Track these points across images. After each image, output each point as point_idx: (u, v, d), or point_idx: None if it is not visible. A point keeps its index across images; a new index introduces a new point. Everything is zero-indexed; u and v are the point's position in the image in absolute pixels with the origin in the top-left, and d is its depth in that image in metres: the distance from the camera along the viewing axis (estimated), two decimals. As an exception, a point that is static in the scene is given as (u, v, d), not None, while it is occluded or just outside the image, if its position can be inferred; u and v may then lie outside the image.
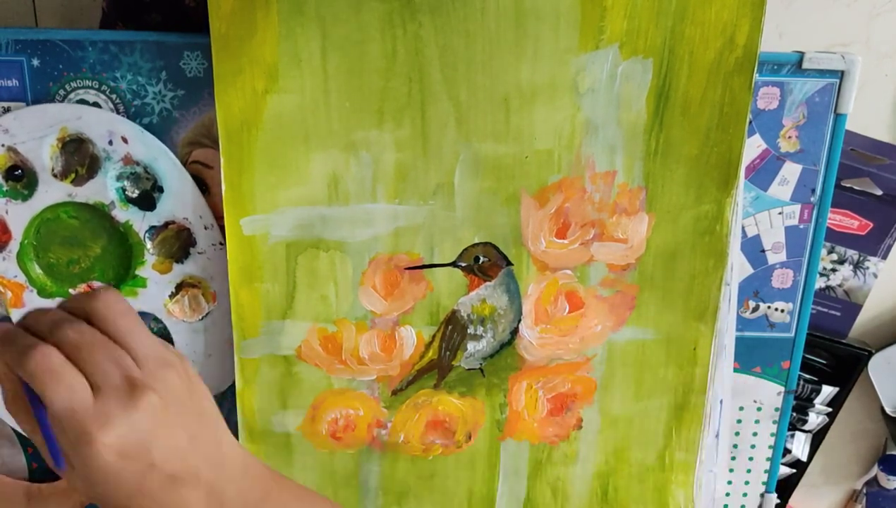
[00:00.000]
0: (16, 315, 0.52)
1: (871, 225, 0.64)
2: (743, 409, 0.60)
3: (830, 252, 0.65)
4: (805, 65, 0.52)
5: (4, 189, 0.50)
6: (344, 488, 0.57)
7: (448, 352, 0.55)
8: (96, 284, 0.53)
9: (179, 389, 0.37)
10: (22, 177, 0.50)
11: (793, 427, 0.67)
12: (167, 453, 0.35)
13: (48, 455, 0.35)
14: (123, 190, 0.51)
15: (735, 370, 0.59)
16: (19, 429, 0.54)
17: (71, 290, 0.52)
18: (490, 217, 0.52)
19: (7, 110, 0.49)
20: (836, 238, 0.65)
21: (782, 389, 0.59)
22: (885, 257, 0.65)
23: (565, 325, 0.55)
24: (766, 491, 0.63)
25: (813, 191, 0.55)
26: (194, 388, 0.38)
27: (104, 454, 0.34)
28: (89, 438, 0.34)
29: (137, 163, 0.50)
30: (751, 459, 0.62)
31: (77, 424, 0.34)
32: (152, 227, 0.52)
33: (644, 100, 0.50)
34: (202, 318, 0.54)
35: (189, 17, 0.53)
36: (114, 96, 0.49)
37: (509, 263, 0.53)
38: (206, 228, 0.52)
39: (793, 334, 0.58)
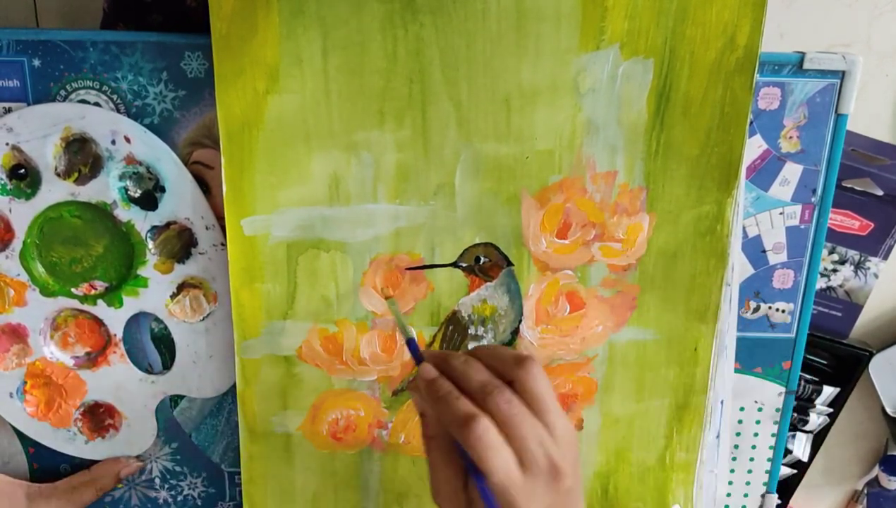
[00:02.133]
0: (18, 313, 0.52)
1: (872, 225, 0.64)
2: (744, 409, 0.60)
3: (831, 252, 0.65)
4: (806, 65, 0.52)
5: (8, 187, 0.51)
6: (344, 488, 0.57)
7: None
8: (99, 284, 0.53)
9: (579, 467, 0.42)
10: (25, 176, 0.51)
11: (794, 427, 0.67)
12: None
13: (480, 495, 0.41)
14: (126, 189, 0.51)
15: (736, 370, 0.59)
16: (20, 428, 0.54)
17: (73, 289, 0.52)
18: (491, 217, 0.52)
19: (8, 111, 0.49)
20: (837, 238, 0.65)
21: (783, 389, 0.59)
22: (885, 257, 0.65)
23: (566, 326, 0.55)
24: (767, 492, 0.63)
25: (814, 191, 0.55)
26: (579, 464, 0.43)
27: None
28: None
29: (140, 163, 0.50)
30: (752, 459, 0.62)
31: (508, 497, 0.39)
32: (154, 227, 0.52)
33: (645, 100, 0.50)
34: (203, 319, 0.54)
35: (190, 17, 0.53)
36: (115, 97, 0.50)
37: (510, 263, 0.53)
38: (207, 228, 0.52)
39: (794, 334, 0.58)
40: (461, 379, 0.42)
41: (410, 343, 0.47)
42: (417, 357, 0.46)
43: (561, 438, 0.41)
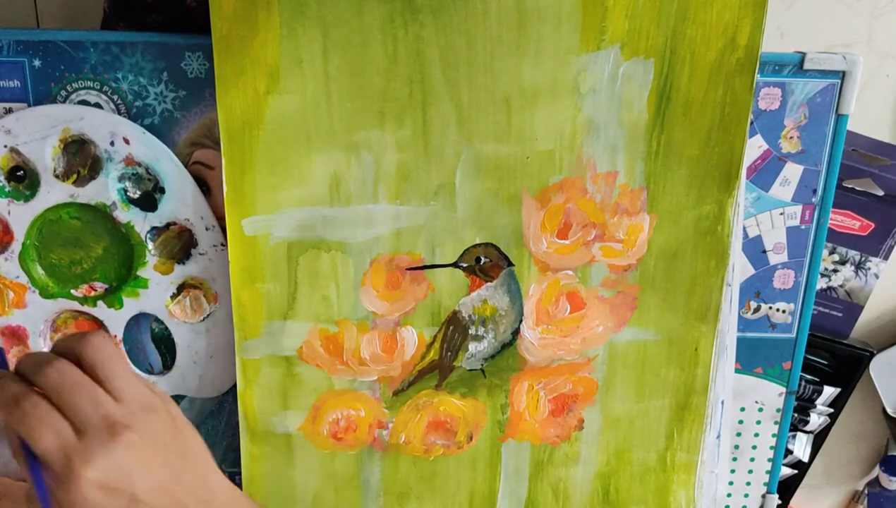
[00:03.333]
0: (17, 315, 0.52)
1: (873, 225, 0.64)
2: (744, 410, 0.60)
3: (832, 252, 0.65)
4: (806, 65, 0.52)
5: (7, 189, 0.50)
6: (345, 488, 0.57)
7: (449, 353, 0.55)
8: (98, 285, 0.53)
9: (161, 430, 0.39)
10: (24, 178, 0.51)
11: (794, 427, 0.67)
12: (150, 487, 0.38)
13: (38, 500, 0.37)
14: (125, 190, 0.51)
15: (736, 370, 0.59)
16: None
17: (73, 291, 0.52)
18: (491, 217, 0.52)
19: (9, 111, 0.49)
20: (838, 238, 0.65)
21: (784, 390, 0.59)
22: (886, 258, 0.65)
23: (567, 326, 0.55)
24: (768, 492, 0.63)
25: (814, 191, 0.55)
26: (179, 429, 0.41)
27: (88, 489, 0.36)
28: (74, 475, 0.36)
29: (139, 164, 0.50)
30: (752, 460, 0.62)
31: (62, 464, 0.36)
32: (154, 228, 0.52)
33: (645, 100, 0.50)
34: (204, 319, 0.54)
35: (190, 17, 0.53)
36: (115, 97, 0.50)
37: (510, 264, 0.53)
38: (207, 229, 0.52)
39: (794, 335, 0.58)
40: (21, 368, 0.40)
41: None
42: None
43: (128, 402, 0.39)
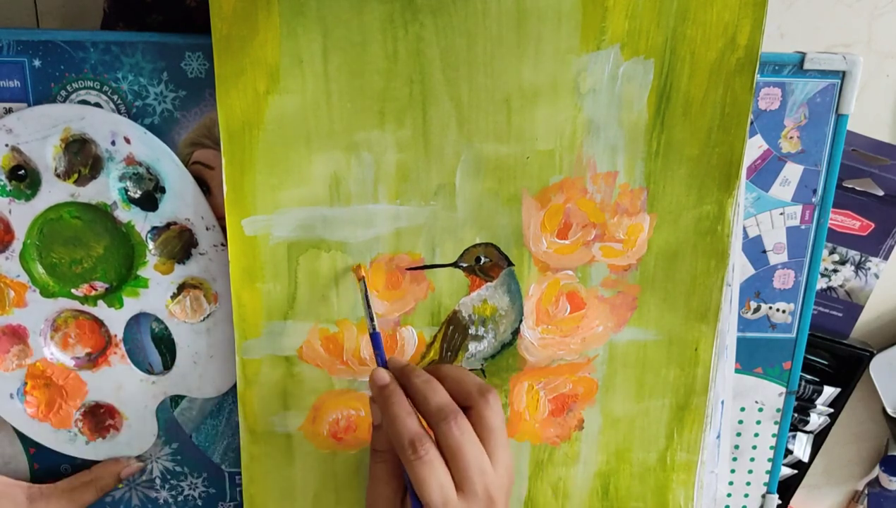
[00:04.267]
0: (18, 314, 0.52)
1: (873, 225, 0.64)
2: (744, 410, 0.60)
3: (832, 252, 0.65)
4: (806, 65, 0.52)
5: (8, 189, 0.50)
6: (345, 488, 0.57)
7: (449, 353, 0.55)
8: (99, 285, 0.53)
9: (509, 504, 0.45)
10: (25, 177, 0.51)
11: (794, 427, 0.67)
12: None
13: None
14: (126, 190, 0.51)
15: (736, 370, 0.59)
16: (20, 429, 0.54)
17: (73, 290, 0.52)
18: (491, 217, 0.52)
19: (9, 111, 0.49)
20: (838, 238, 0.65)
21: (784, 390, 0.59)
22: (886, 258, 0.65)
23: (567, 326, 0.55)
24: (768, 492, 0.63)
25: (814, 191, 0.55)
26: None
27: None
28: None
29: (140, 164, 0.50)
30: (752, 460, 0.62)
31: None
32: (154, 228, 0.52)
33: (645, 100, 0.50)
34: (204, 319, 0.54)
35: (190, 17, 0.53)
36: (115, 97, 0.50)
37: (510, 264, 0.53)
38: (207, 229, 0.52)
39: (794, 335, 0.58)
40: (419, 397, 0.44)
41: (375, 338, 0.48)
42: (381, 357, 0.48)
43: (501, 470, 0.43)
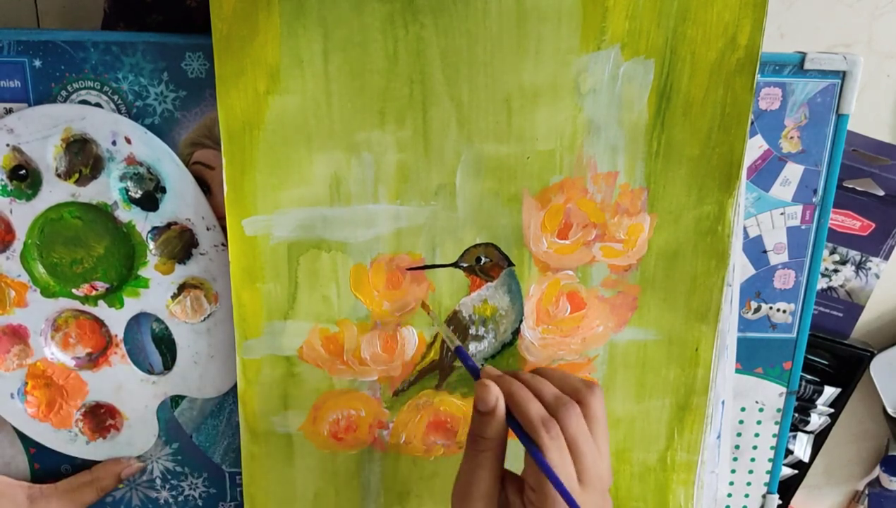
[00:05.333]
0: (19, 314, 0.52)
1: (873, 225, 0.64)
2: (745, 410, 0.60)
3: (832, 252, 0.65)
4: (807, 65, 0.52)
5: (9, 188, 0.51)
6: (345, 489, 0.57)
7: (449, 353, 0.55)
8: (99, 285, 0.53)
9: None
10: (26, 177, 0.51)
11: (795, 427, 0.67)
12: None
13: (557, 491, 0.43)
14: (126, 190, 0.51)
15: (737, 371, 0.59)
16: (21, 429, 0.54)
17: (74, 290, 0.52)
18: (492, 217, 0.52)
19: (9, 111, 0.49)
20: (838, 238, 0.65)
21: (784, 390, 0.59)
22: (886, 258, 0.65)
23: (567, 326, 0.55)
24: (768, 492, 0.63)
25: (815, 191, 0.55)
26: None
27: None
28: None
29: (140, 164, 0.50)
30: (752, 460, 0.62)
31: (563, 500, 0.42)
32: (155, 228, 0.52)
33: (646, 100, 0.50)
34: (204, 319, 0.54)
35: (191, 17, 0.53)
36: (116, 97, 0.50)
37: (511, 264, 0.53)
38: (208, 229, 0.52)
39: (795, 335, 0.58)
40: (533, 389, 0.45)
41: (460, 350, 0.50)
42: (471, 362, 0.49)
43: (606, 463, 0.45)
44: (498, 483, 0.45)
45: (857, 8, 0.60)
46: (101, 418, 0.56)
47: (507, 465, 0.46)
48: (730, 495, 0.63)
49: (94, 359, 0.54)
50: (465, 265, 0.53)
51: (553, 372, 0.48)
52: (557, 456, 0.42)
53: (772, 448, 0.61)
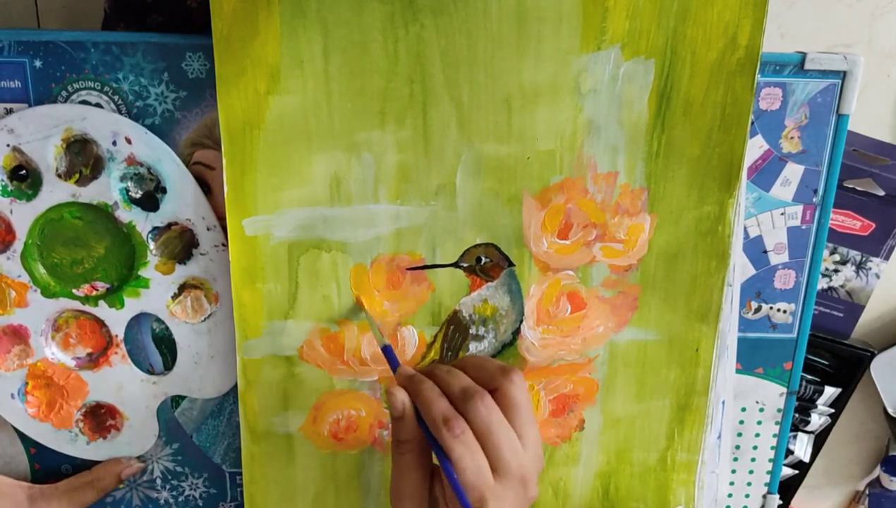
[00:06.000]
0: (19, 314, 0.52)
1: (874, 225, 0.64)
2: (745, 410, 0.60)
3: (833, 253, 0.65)
4: (807, 65, 0.52)
5: (9, 189, 0.51)
6: (346, 489, 0.57)
7: (450, 353, 0.55)
8: (100, 285, 0.53)
9: (536, 480, 0.44)
10: (26, 177, 0.51)
11: (795, 428, 0.67)
12: None
13: (454, 492, 0.42)
14: (127, 190, 0.51)
15: (737, 371, 0.59)
16: (21, 429, 0.54)
17: (75, 290, 0.53)
18: (492, 217, 0.52)
19: (9, 111, 0.49)
20: (839, 239, 0.65)
21: (784, 390, 0.59)
22: (887, 258, 0.65)
23: (567, 326, 0.55)
24: (769, 492, 0.63)
25: (815, 191, 0.55)
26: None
27: None
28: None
29: (141, 164, 0.50)
30: (753, 460, 0.62)
31: (477, 497, 0.41)
32: (155, 228, 0.52)
33: (646, 100, 0.50)
34: (204, 319, 0.54)
35: (191, 18, 0.53)
36: (116, 97, 0.50)
37: (511, 264, 0.53)
38: (208, 229, 0.52)
39: (795, 335, 0.58)
40: (443, 385, 0.44)
41: (386, 350, 0.50)
42: (394, 363, 0.49)
43: (530, 448, 0.43)
44: (425, 482, 0.45)
45: (857, 8, 0.60)
46: (102, 418, 0.56)
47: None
48: (730, 495, 0.63)
49: (95, 359, 0.54)
50: (465, 265, 0.53)
51: (469, 361, 0.47)
52: (462, 452, 0.41)
53: (772, 448, 0.61)
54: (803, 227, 0.56)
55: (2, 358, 0.53)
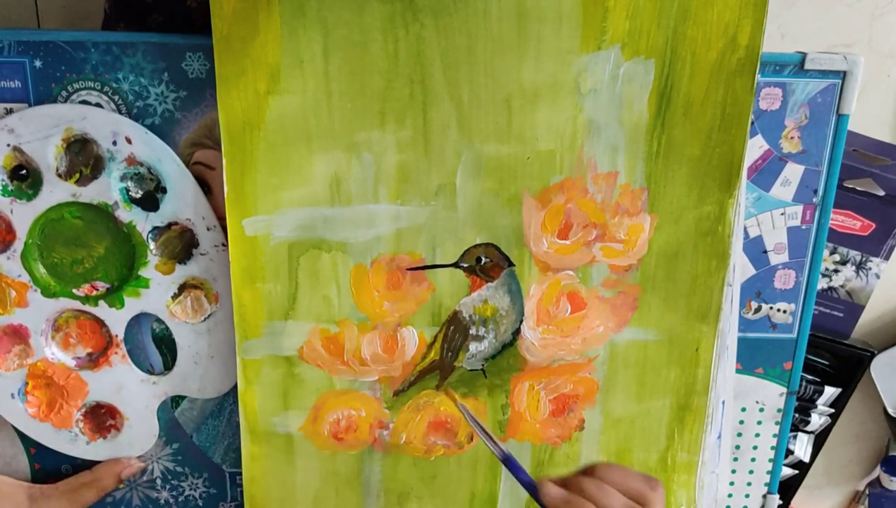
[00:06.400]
0: (19, 314, 0.52)
1: (874, 225, 0.64)
2: (745, 410, 0.60)
3: (833, 252, 0.65)
4: (807, 65, 0.52)
5: (10, 189, 0.51)
6: (346, 489, 0.57)
7: (450, 353, 0.55)
8: (100, 285, 0.53)
9: None
10: (27, 177, 0.51)
11: (795, 428, 0.67)
12: None
13: None
14: (127, 190, 0.51)
15: (737, 371, 0.59)
16: (21, 429, 0.54)
17: (75, 290, 0.52)
18: (492, 218, 0.52)
19: (10, 111, 0.49)
20: (839, 239, 0.65)
21: (784, 390, 0.59)
22: (887, 258, 0.65)
23: (567, 326, 0.55)
24: (769, 492, 0.63)
25: (815, 191, 0.55)
26: None
27: None
28: None
29: (141, 164, 0.50)
30: (753, 460, 0.62)
31: None
32: (155, 228, 0.52)
33: (646, 100, 0.50)
34: (205, 319, 0.54)
35: (191, 18, 0.53)
36: (116, 97, 0.50)
37: (511, 264, 0.53)
38: (208, 229, 0.52)
39: (795, 335, 0.58)
40: (598, 503, 0.44)
41: (509, 461, 0.47)
42: (525, 475, 0.47)
43: None
44: None
45: (857, 8, 0.60)
46: (102, 418, 0.56)
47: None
48: (730, 495, 0.63)
49: (95, 359, 0.54)
50: (465, 265, 0.53)
51: (613, 475, 0.46)
52: None
53: (772, 448, 0.61)
54: (803, 227, 0.56)
55: (2, 358, 0.53)
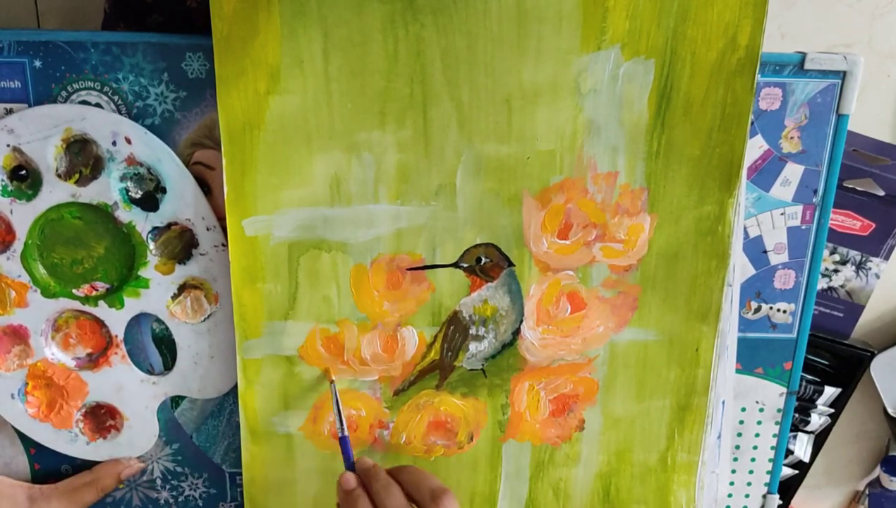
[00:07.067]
0: (19, 314, 0.52)
1: (874, 225, 0.64)
2: (745, 410, 0.60)
3: (833, 253, 0.65)
4: (807, 65, 0.52)
5: (9, 189, 0.51)
6: (346, 489, 0.57)
7: (450, 353, 0.55)
8: (100, 285, 0.53)
9: None
10: (26, 178, 0.51)
11: (795, 428, 0.67)
12: None
13: None
14: (127, 190, 0.51)
15: (737, 371, 0.59)
16: (21, 429, 0.54)
17: (74, 291, 0.52)
18: (492, 218, 0.52)
19: (9, 111, 0.49)
20: (839, 239, 0.65)
21: (784, 390, 0.59)
22: (887, 258, 0.65)
23: (567, 326, 0.55)
24: (769, 492, 0.63)
25: (815, 191, 0.55)
26: None
27: None
28: None
29: (141, 164, 0.50)
30: (753, 460, 0.62)
31: None
32: (155, 228, 0.52)
33: (646, 100, 0.50)
34: (204, 319, 0.54)
35: (191, 18, 0.53)
36: (116, 98, 0.50)
37: (511, 264, 0.53)
38: (208, 229, 0.52)
39: (795, 335, 0.58)
40: (378, 501, 0.47)
41: (343, 441, 0.51)
42: (348, 460, 0.50)
43: None
44: None
45: (857, 8, 0.60)
46: (102, 418, 0.56)
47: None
48: (730, 495, 0.63)
49: (95, 360, 0.54)
50: (465, 265, 0.53)
51: (408, 477, 0.48)
52: None
53: (772, 448, 0.61)
54: (803, 227, 0.56)
55: (2, 358, 0.53)
